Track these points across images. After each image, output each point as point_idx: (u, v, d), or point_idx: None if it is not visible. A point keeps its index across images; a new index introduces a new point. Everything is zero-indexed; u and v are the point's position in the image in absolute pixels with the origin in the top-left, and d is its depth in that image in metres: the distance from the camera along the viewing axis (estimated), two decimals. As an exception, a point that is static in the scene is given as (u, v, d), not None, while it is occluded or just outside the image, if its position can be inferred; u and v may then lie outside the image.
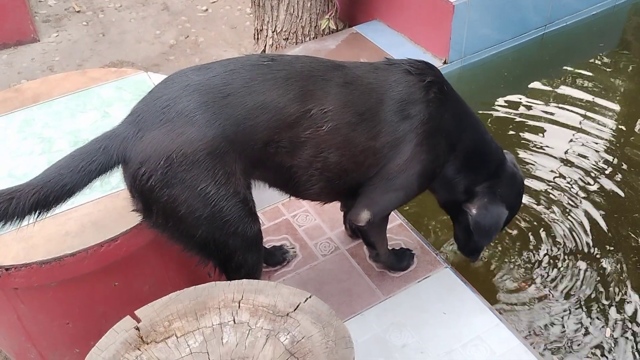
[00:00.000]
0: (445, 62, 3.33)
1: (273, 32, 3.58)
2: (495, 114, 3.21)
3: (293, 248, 2.28)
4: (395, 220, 2.39)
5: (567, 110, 3.21)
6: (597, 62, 3.62)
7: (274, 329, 1.30)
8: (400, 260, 2.20)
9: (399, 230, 2.35)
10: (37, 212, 1.46)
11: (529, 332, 2.19)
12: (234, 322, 1.31)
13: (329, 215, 2.39)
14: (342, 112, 1.63)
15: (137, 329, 1.29)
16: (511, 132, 3.09)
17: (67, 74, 2.38)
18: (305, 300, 1.36)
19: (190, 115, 1.46)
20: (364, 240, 2.10)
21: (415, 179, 1.81)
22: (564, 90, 3.38)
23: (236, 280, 1.40)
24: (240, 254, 1.66)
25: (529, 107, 3.26)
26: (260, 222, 2.35)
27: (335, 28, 3.58)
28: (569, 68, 3.55)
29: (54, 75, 2.39)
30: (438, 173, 1.87)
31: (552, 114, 3.19)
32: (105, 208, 1.76)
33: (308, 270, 2.22)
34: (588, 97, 3.31)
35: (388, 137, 1.71)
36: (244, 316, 1.32)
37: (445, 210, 2.13)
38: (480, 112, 3.22)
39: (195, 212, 1.53)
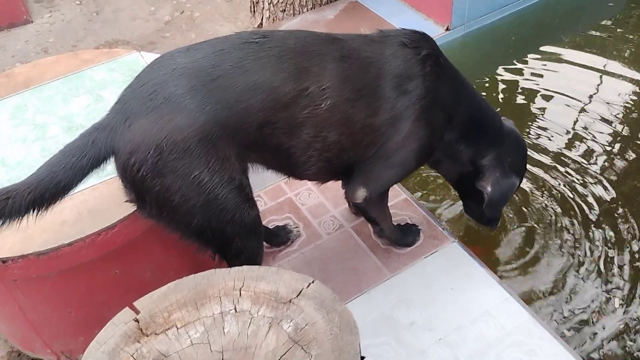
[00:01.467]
0: (447, 29, 3.23)
1: (269, 4, 3.49)
2: (501, 81, 3.12)
3: (297, 227, 2.24)
4: (400, 195, 2.34)
5: (578, 75, 3.11)
6: (607, 22, 3.49)
7: (277, 316, 1.26)
8: (405, 235, 2.16)
9: (404, 205, 2.30)
10: (35, 209, 1.44)
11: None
12: (236, 311, 1.27)
13: (332, 192, 2.34)
14: (340, 88, 1.56)
15: (137, 320, 1.26)
16: (519, 101, 3.01)
17: (58, 57, 2.32)
18: (308, 286, 1.32)
19: (179, 101, 1.40)
20: (364, 216, 2.07)
21: (412, 155, 1.76)
22: (574, 54, 3.27)
23: (236, 267, 1.35)
24: (239, 240, 1.62)
25: (537, 74, 3.16)
26: (263, 201, 2.36)
27: (333, -3, 3.48)
28: (577, 31, 3.44)
29: (45, 59, 2.32)
30: (436, 148, 1.83)
31: (562, 79, 3.10)
32: (101, 195, 1.72)
33: (312, 249, 2.18)
34: (599, 60, 3.20)
35: (386, 114, 1.66)
36: (245, 304, 1.28)
37: (453, 186, 2.08)
38: (486, 79, 3.13)
39: (189, 201, 1.48)
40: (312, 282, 1.33)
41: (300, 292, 1.30)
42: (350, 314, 1.28)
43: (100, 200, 1.71)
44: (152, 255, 1.83)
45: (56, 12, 4.02)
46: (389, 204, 2.09)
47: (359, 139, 1.66)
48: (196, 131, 1.41)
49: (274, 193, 2.39)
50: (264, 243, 2.15)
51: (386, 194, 1.97)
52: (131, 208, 1.64)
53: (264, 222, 2.22)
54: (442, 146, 1.86)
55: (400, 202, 2.32)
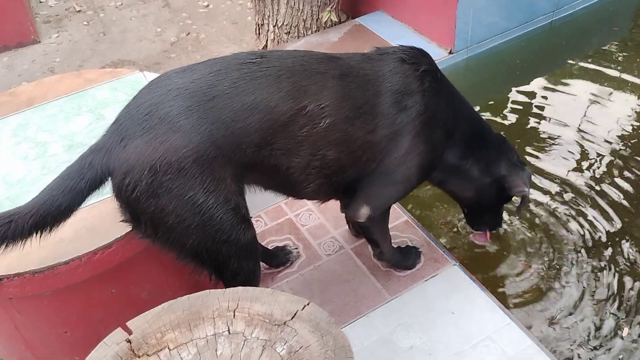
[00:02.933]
0: (450, 52, 3.25)
1: (274, 26, 3.52)
2: (506, 104, 3.11)
3: (296, 248, 2.23)
4: (401, 217, 2.32)
5: (583, 99, 3.09)
6: (611, 46, 3.49)
7: (271, 338, 1.24)
8: (406, 258, 2.14)
9: (404, 228, 2.29)
10: (38, 233, 1.46)
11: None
12: (229, 333, 1.26)
13: (332, 213, 2.33)
14: (339, 106, 1.57)
15: (129, 341, 1.24)
16: (523, 124, 2.99)
17: (62, 76, 2.34)
18: (303, 308, 1.30)
19: (174, 121, 1.40)
20: (365, 237, 2.05)
21: (414, 172, 1.77)
22: (579, 78, 3.25)
23: (231, 288, 1.34)
24: (235, 261, 1.61)
25: (542, 98, 3.14)
26: (263, 222, 2.35)
27: (337, 20, 3.51)
28: (583, 55, 3.43)
29: (48, 78, 2.34)
30: (437, 164, 1.83)
31: (567, 104, 3.07)
32: (99, 213, 1.72)
33: (312, 270, 2.17)
34: (605, 84, 3.19)
35: (385, 130, 1.66)
36: (239, 326, 1.27)
37: (464, 202, 2.09)
38: (491, 103, 3.12)
39: (184, 221, 1.47)
40: (308, 304, 1.31)
41: (295, 314, 1.29)
42: (345, 338, 1.26)
43: (98, 218, 1.70)
44: (149, 275, 1.82)
45: (64, 32, 4.07)
46: (389, 226, 2.07)
47: (358, 155, 1.67)
48: (191, 151, 1.41)
49: (274, 214, 2.38)
50: (263, 264, 2.14)
51: (388, 212, 1.96)
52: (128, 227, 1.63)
53: (263, 243, 2.22)
54: (447, 165, 1.87)
55: (401, 224, 2.30)
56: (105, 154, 1.44)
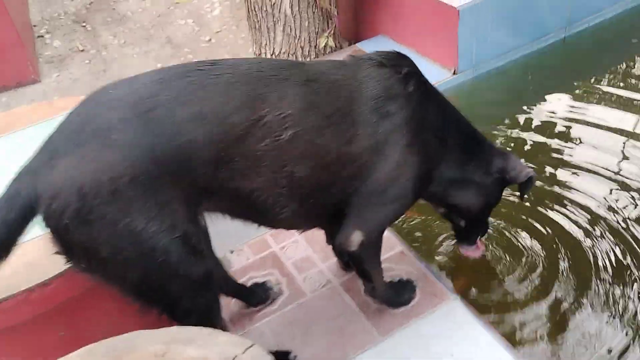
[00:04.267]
0: (454, 73, 3.06)
1: (272, 54, 3.40)
2: (516, 125, 2.85)
3: (278, 284, 2.01)
4: (396, 247, 2.10)
5: (600, 120, 2.80)
6: (631, 61, 3.24)
7: (201, 389, 1.04)
8: (399, 293, 1.90)
9: (399, 259, 2.06)
10: None
11: None
12: (152, 382, 1.05)
13: (321, 244, 2.12)
14: (304, 115, 1.37)
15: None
16: (534, 146, 2.72)
17: (34, 106, 2.27)
18: (245, 351, 1.09)
19: (107, 135, 1.22)
20: (357, 269, 1.82)
21: (410, 187, 1.56)
22: (595, 98, 2.98)
23: (165, 329, 1.15)
24: (186, 299, 1.40)
25: (555, 119, 2.86)
26: (245, 255, 2.15)
27: (335, 46, 3.37)
28: (600, 71, 3.18)
29: (21, 107, 2.26)
30: (434, 175, 1.63)
31: (582, 125, 2.78)
32: (42, 247, 1.55)
33: (295, 308, 1.94)
34: (622, 103, 2.90)
35: (367, 141, 1.46)
36: (166, 373, 1.06)
37: (467, 213, 1.85)
38: (500, 126, 2.87)
39: (121, 252, 1.27)
40: (250, 346, 1.11)
41: (234, 359, 1.08)
42: (290, 387, 1.04)
43: (41, 253, 1.53)
44: (103, 315, 1.64)
45: (65, 71, 4.04)
46: (382, 258, 1.85)
47: (335, 170, 1.46)
48: (126, 170, 1.22)
49: (258, 247, 2.19)
50: (241, 303, 1.94)
51: (381, 239, 1.74)
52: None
53: (243, 279, 2.02)
54: (447, 177, 1.68)
55: (396, 255, 2.07)
56: (33, 176, 1.27)
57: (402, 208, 1.64)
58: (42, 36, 4.39)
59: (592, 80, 3.11)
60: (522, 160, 1.84)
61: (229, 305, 1.97)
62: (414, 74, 1.53)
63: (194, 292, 1.41)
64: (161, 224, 1.28)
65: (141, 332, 1.14)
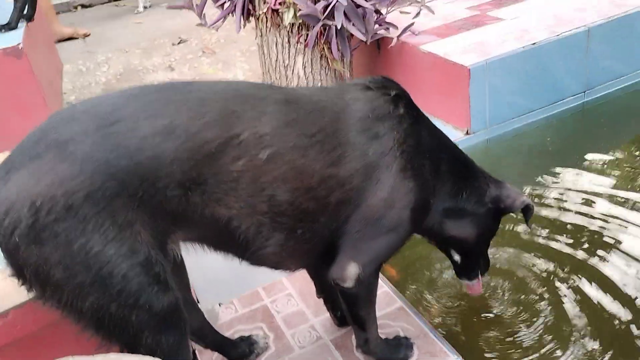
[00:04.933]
0: (467, 133, 2.98)
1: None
2: (531, 191, 2.67)
3: (265, 338, 1.86)
4: (394, 303, 1.94)
5: (627, 193, 2.55)
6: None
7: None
8: (395, 351, 1.73)
9: (397, 315, 1.89)
10: None
11: None
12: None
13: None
14: (284, 134, 1.29)
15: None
16: (558, 217, 2.47)
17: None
18: (185, 382, 0.96)
19: (63, 147, 1.16)
20: (351, 312, 1.62)
21: (407, 215, 1.46)
22: (621, 167, 2.78)
23: (102, 354, 1.03)
24: (148, 334, 1.27)
25: (573, 190, 2.63)
26: (234, 308, 2.02)
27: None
28: (626, 136, 3.04)
29: None
30: (432, 203, 1.53)
31: (606, 198, 2.53)
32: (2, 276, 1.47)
33: (280, 365, 1.79)
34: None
35: (355, 164, 1.37)
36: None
37: (466, 245, 1.72)
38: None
39: (74, 277, 1.17)
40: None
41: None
42: None
43: (5, 282, 1.45)
44: (67, 353, 1.51)
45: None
46: (379, 314, 1.71)
47: (321, 195, 1.35)
48: (81, 185, 1.14)
49: (248, 299, 2.06)
50: (223, 357, 1.80)
51: (378, 276, 1.59)
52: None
53: (229, 332, 1.88)
54: (442, 207, 1.58)
55: (394, 311, 1.91)
56: None
57: (400, 239, 1.52)
58: (70, 102, 4.55)
59: (612, 149, 2.93)
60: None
61: (210, 359, 1.83)
62: (403, 96, 1.47)
63: (157, 328, 1.29)
64: (120, 247, 1.19)
65: (75, 358, 1.02)
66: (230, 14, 3.06)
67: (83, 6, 7.82)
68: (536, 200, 2.58)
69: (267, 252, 1.40)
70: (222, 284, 2.14)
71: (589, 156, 2.88)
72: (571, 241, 2.31)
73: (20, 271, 1.22)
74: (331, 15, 2.76)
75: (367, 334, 1.66)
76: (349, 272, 1.46)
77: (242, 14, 2.97)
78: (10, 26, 3.67)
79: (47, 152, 1.16)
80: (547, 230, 2.38)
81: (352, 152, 1.36)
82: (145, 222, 1.22)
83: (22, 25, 3.72)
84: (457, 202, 1.59)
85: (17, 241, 1.16)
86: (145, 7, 7.07)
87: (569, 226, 2.41)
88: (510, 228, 2.41)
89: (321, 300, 1.91)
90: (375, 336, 1.69)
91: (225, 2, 3.00)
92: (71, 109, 1.26)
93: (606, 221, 2.39)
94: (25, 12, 3.76)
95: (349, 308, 1.62)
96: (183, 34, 5.74)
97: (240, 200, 1.28)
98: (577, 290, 2.07)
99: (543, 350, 1.86)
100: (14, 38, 3.49)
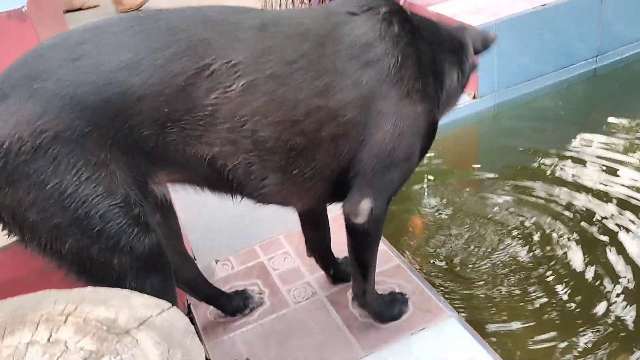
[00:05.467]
0: (474, 97, 2.91)
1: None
2: (540, 159, 2.58)
3: (260, 294, 1.85)
4: (391, 260, 1.91)
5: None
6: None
7: (99, 350, 0.88)
8: (390, 306, 1.70)
9: (394, 272, 1.86)
10: None
11: None
12: (48, 341, 0.90)
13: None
14: (259, 62, 1.21)
15: None
16: (571, 190, 2.36)
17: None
18: (160, 313, 0.94)
19: (27, 86, 1.11)
20: (356, 254, 1.57)
21: (419, 141, 1.41)
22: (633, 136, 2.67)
23: (78, 288, 1.01)
24: (132, 278, 1.24)
25: (589, 155, 2.54)
26: (230, 265, 2.00)
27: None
28: (637, 107, 2.95)
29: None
30: (437, 119, 1.47)
31: (622, 163, 2.46)
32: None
33: (274, 320, 1.77)
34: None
35: (347, 94, 1.28)
36: (65, 333, 0.91)
37: None
38: (524, 156, 2.66)
39: (51, 218, 1.14)
40: (168, 308, 0.95)
41: (145, 321, 0.93)
42: (200, 353, 0.87)
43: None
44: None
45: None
46: (376, 271, 1.67)
47: (311, 129, 1.27)
48: (49, 124, 1.09)
49: (245, 257, 2.04)
50: (217, 311, 1.78)
51: (387, 208, 1.52)
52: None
53: (225, 287, 1.86)
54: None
55: (391, 268, 1.88)
56: None
57: (413, 167, 1.47)
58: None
59: (627, 116, 2.83)
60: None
61: (204, 313, 1.82)
62: (395, 11, 1.36)
63: (140, 271, 1.26)
64: (95, 187, 1.14)
65: (51, 291, 1.00)
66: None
67: (93, -22, 7.76)
68: (547, 167, 2.52)
69: (266, 192, 1.34)
70: (218, 241, 2.12)
71: (602, 122, 2.81)
72: (589, 206, 2.25)
73: None
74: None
75: (366, 284, 1.62)
76: (362, 207, 1.41)
77: (245, -26, 2.90)
78: (14, -10, 3.63)
79: (13, 91, 1.12)
80: (562, 195, 2.32)
81: (342, 81, 1.27)
82: (121, 161, 1.17)
83: (27, -11, 3.70)
84: (459, 84, 1.54)
85: None
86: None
87: (584, 193, 2.33)
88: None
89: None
90: (372, 288, 1.65)
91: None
92: (38, 45, 1.20)
93: (626, 187, 2.33)
94: (29, -24, 3.73)
95: (356, 247, 1.56)
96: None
97: (221, 136, 1.22)
98: (579, 255, 2.02)
99: (538, 306, 1.83)
100: (19, 1, 3.47)
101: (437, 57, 1.44)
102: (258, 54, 1.21)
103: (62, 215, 1.15)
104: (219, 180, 1.32)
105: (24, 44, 3.51)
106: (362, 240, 1.53)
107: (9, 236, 1.24)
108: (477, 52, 1.57)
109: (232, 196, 1.40)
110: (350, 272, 1.84)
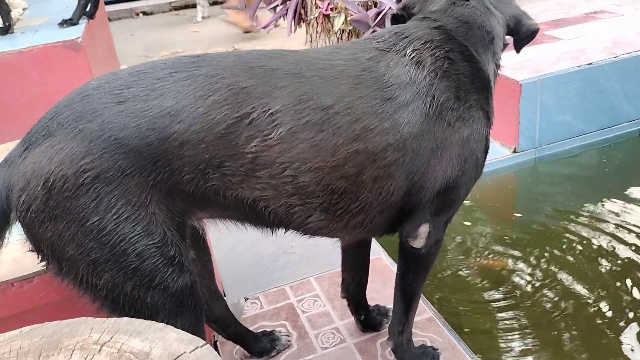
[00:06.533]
0: (514, 151, 2.89)
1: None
2: (578, 217, 2.51)
3: (287, 336, 1.82)
4: (424, 313, 1.86)
5: None
6: None
7: (131, 383, 0.87)
8: (421, 358, 1.65)
9: (426, 325, 1.82)
10: None
11: None
12: (81, 369, 0.90)
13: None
14: (297, 110, 1.22)
15: (-43, 365, 0.93)
16: (606, 251, 2.30)
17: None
18: (193, 350, 0.93)
19: (73, 126, 1.15)
20: (404, 281, 1.54)
21: (471, 166, 1.40)
22: None
23: (114, 318, 1.01)
24: (163, 315, 1.24)
25: (626, 219, 2.47)
26: (259, 304, 1.99)
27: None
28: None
29: None
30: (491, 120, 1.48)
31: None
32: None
33: (300, 364, 1.73)
34: None
35: (387, 137, 1.27)
36: (98, 362, 0.91)
37: None
38: (560, 221, 2.53)
39: (89, 254, 1.16)
40: (202, 346, 0.94)
41: (178, 357, 0.92)
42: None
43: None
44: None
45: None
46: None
47: (351, 173, 1.27)
48: (92, 164, 1.13)
49: (274, 296, 2.02)
50: (243, 350, 1.76)
51: (443, 236, 1.54)
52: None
53: (253, 326, 1.84)
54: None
55: (423, 321, 1.83)
56: (8, 167, 1.20)
57: (470, 188, 1.46)
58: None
59: None
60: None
61: (231, 351, 1.79)
62: (423, 42, 1.36)
63: (172, 310, 1.26)
64: (134, 227, 1.16)
65: (88, 319, 1.00)
66: (282, 18, 3.08)
67: (145, 13, 8.10)
68: (577, 230, 2.45)
69: (311, 227, 1.34)
70: (249, 279, 2.11)
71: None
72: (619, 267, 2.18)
73: (38, 246, 1.21)
74: (382, 22, 2.73)
75: (406, 321, 1.58)
76: (421, 231, 1.43)
77: (294, 17, 2.98)
78: (72, 22, 3.80)
79: (59, 129, 1.16)
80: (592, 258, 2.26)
81: (380, 123, 1.27)
82: (161, 202, 1.19)
83: (83, 22, 3.86)
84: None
85: (33, 217, 1.16)
86: (203, 17, 7.27)
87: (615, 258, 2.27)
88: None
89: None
90: (410, 330, 1.61)
91: (277, 5, 3.03)
92: (85, 85, 1.24)
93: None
94: (87, 9, 3.90)
95: (406, 275, 1.54)
96: (237, 44, 5.86)
97: (262, 182, 1.24)
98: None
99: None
100: (75, 32, 3.62)
101: (475, 69, 1.41)
102: (295, 102, 1.22)
103: (100, 251, 1.17)
104: (261, 218, 1.33)
105: (76, 74, 3.66)
106: (415, 266, 1.51)
107: (47, 269, 1.26)
108: (517, 38, 1.55)
109: (274, 232, 1.41)
110: (380, 319, 1.82)
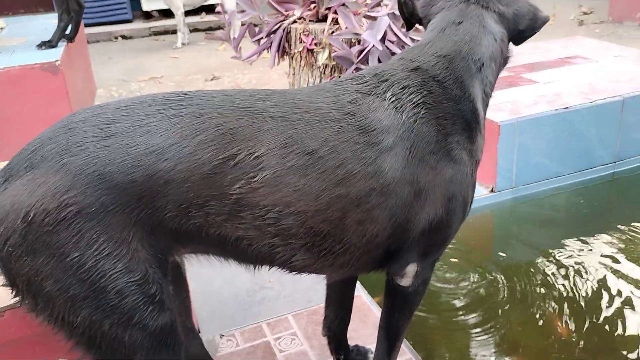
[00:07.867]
0: (492, 191, 2.92)
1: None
2: (555, 258, 2.54)
3: (263, 376, 1.77)
4: (404, 355, 1.83)
5: None
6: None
7: None
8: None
9: (406, 367, 1.79)
10: None
11: None
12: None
13: (320, 340, 1.89)
14: (281, 154, 1.21)
15: None
16: (581, 293, 2.34)
17: None
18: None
19: (56, 159, 1.12)
20: (388, 321, 1.53)
21: (457, 206, 1.38)
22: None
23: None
24: (141, 355, 1.20)
25: (601, 263, 2.50)
26: (234, 342, 1.94)
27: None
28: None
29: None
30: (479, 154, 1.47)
31: (619, 274, 2.42)
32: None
33: (276, 406, 1.68)
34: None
35: (370, 182, 1.26)
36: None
37: None
38: (538, 259, 2.56)
39: (67, 290, 1.12)
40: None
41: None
42: None
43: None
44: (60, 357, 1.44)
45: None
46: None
47: (335, 217, 1.26)
48: (75, 198, 1.09)
49: (251, 334, 1.97)
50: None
51: (433, 270, 1.53)
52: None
53: (227, 366, 1.79)
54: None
55: (403, 363, 1.81)
56: None
57: (456, 227, 1.44)
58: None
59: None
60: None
61: (204, 392, 1.73)
62: (402, 86, 1.35)
63: (150, 349, 1.20)
64: (115, 264, 1.12)
65: (63, 362, 0.96)
66: (265, 50, 3.09)
67: (124, 37, 8.07)
68: (548, 270, 2.47)
69: (295, 265, 1.33)
70: (225, 314, 2.06)
71: (612, 228, 2.77)
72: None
73: (13, 281, 1.16)
74: (365, 60, 2.76)
75: (393, 352, 1.55)
76: (408, 270, 1.42)
77: (278, 50, 3.00)
78: (51, 44, 3.76)
79: (42, 162, 1.12)
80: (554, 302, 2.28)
81: (363, 168, 1.26)
82: (143, 239, 1.16)
83: (62, 44, 3.82)
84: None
85: (10, 251, 1.11)
86: (183, 44, 7.27)
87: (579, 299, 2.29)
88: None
89: (326, 343, 1.82)
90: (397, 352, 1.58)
91: (262, 38, 3.05)
92: (70, 117, 1.21)
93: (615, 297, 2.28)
94: (67, 32, 3.87)
95: (391, 313, 1.52)
96: (217, 71, 5.86)
97: (245, 222, 1.22)
98: None
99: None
100: (53, 55, 3.58)
101: (455, 109, 1.39)
102: (280, 145, 1.21)
103: (78, 288, 1.12)
104: (244, 256, 1.31)
105: (53, 97, 3.60)
106: (401, 304, 1.50)
107: (21, 304, 1.20)
108: (521, 33, 1.50)
109: (257, 268, 1.38)
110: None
